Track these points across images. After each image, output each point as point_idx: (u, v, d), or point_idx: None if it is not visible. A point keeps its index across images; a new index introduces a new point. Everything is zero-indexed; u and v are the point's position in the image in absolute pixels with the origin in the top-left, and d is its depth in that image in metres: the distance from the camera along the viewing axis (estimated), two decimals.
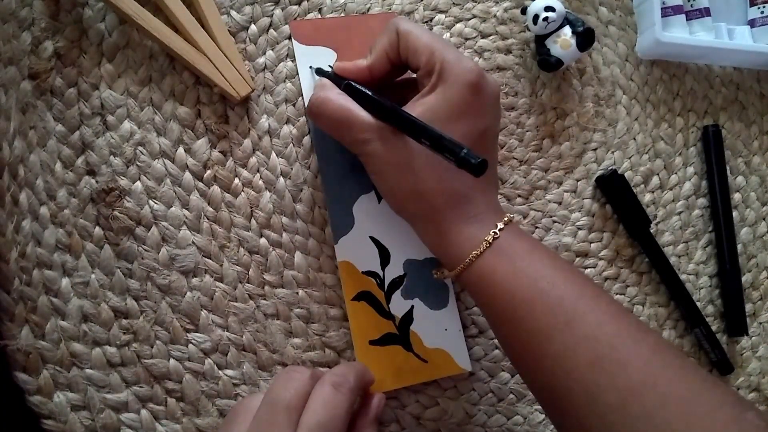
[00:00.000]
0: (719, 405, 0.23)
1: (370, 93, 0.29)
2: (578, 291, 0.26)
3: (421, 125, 0.26)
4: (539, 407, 0.37)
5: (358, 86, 0.29)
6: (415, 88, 0.30)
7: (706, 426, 0.22)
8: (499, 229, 0.28)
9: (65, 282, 0.30)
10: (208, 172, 0.33)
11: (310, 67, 0.33)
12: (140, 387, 0.30)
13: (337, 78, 0.31)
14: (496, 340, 0.36)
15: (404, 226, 0.35)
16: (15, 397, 0.29)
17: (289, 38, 0.35)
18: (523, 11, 0.39)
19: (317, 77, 0.32)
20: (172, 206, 0.32)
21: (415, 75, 0.30)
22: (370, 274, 0.34)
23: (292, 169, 0.34)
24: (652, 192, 0.42)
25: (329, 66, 0.33)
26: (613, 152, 0.41)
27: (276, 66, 0.35)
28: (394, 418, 0.34)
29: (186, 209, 0.32)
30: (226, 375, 0.32)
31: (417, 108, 0.28)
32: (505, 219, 0.28)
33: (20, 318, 0.29)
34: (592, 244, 0.40)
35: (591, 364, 0.24)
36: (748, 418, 0.22)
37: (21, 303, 0.29)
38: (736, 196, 0.44)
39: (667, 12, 0.42)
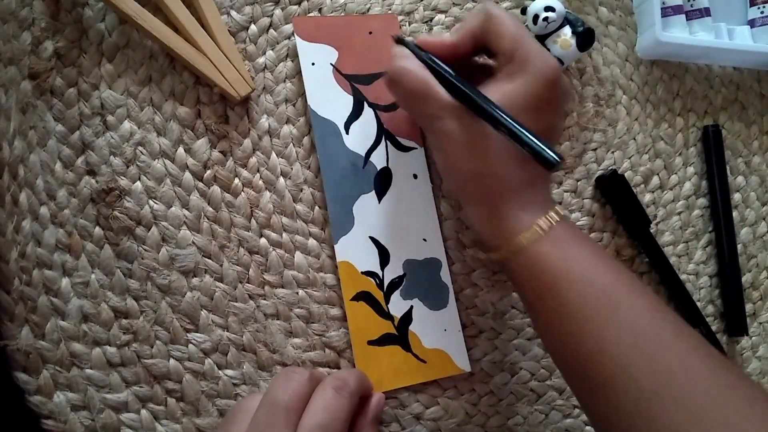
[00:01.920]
0: (755, 399, 0.23)
1: (453, 73, 0.29)
2: (625, 283, 0.27)
3: (503, 115, 0.26)
4: (539, 407, 0.37)
5: (441, 64, 0.29)
6: (485, 72, 0.30)
7: (743, 415, 0.23)
8: (554, 220, 0.28)
9: (65, 282, 0.30)
10: (208, 172, 0.33)
11: (393, 36, 0.32)
12: (140, 387, 0.30)
13: (417, 50, 0.30)
14: (496, 341, 0.36)
15: (404, 226, 0.35)
16: (15, 397, 0.29)
17: (289, 38, 0.35)
18: (523, 11, 0.39)
19: (396, 46, 0.31)
20: (172, 206, 0.32)
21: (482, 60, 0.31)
22: (370, 274, 0.34)
23: (292, 169, 0.34)
24: (652, 192, 0.42)
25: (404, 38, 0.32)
26: (613, 152, 0.41)
27: (276, 66, 0.35)
28: (394, 418, 0.34)
29: (186, 209, 0.32)
30: (226, 375, 0.32)
31: (494, 93, 0.28)
32: (558, 209, 0.29)
33: (20, 318, 0.29)
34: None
35: (631, 349, 0.25)
36: None
37: (21, 303, 0.29)
38: (736, 196, 0.44)
39: (667, 12, 0.42)
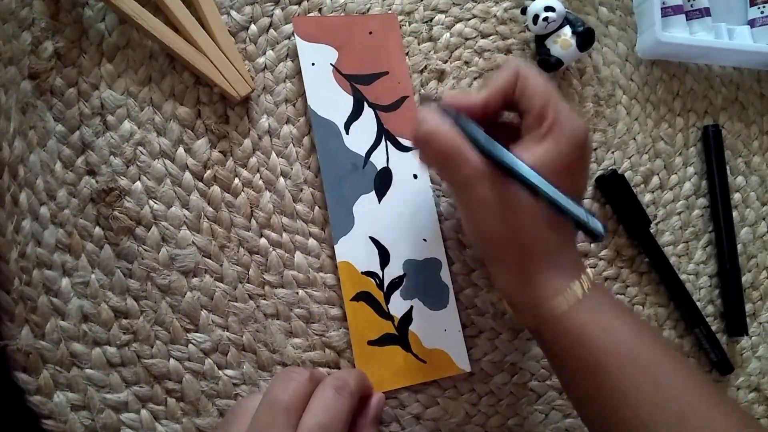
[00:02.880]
0: None
1: (485, 135, 0.27)
2: (662, 353, 0.27)
3: (544, 183, 0.26)
4: (539, 407, 0.37)
5: (473, 125, 0.28)
6: (508, 130, 0.30)
7: None
8: (588, 285, 0.27)
9: (65, 282, 0.30)
10: (208, 172, 0.33)
11: (421, 94, 0.31)
12: (140, 387, 0.30)
13: (446, 110, 0.29)
14: (496, 341, 0.36)
15: (404, 226, 0.35)
16: (15, 397, 0.29)
17: (289, 38, 0.35)
18: (523, 11, 0.39)
19: (423, 105, 0.30)
20: (172, 206, 0.32)
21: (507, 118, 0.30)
22: (370, 274, 0.34)
23: (292, 169, 0.34)
24: (652, 192, 0.42)
25: (434, 97, 0.31)
26: (613, 152, 0.41)
27: (276, 66, 0.35)
28: (394, 418, 0.34)
29: (186, 209, 0.32)
30: (226, 375, 0.32)
31: (526, 156, 0.27)
32: (590, 273, 0.28)
33: (20, 318, 0.29)
34: (592, 244, 0.40)
35: (676, 421, 0.24)
36: None
37: (21, 303, 0.29)
38: (736, 196, 0.44)
39: (667, 12, 0.42)
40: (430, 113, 0.29)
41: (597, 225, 0.25)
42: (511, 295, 0.30)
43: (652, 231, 0.41)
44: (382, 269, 0.34)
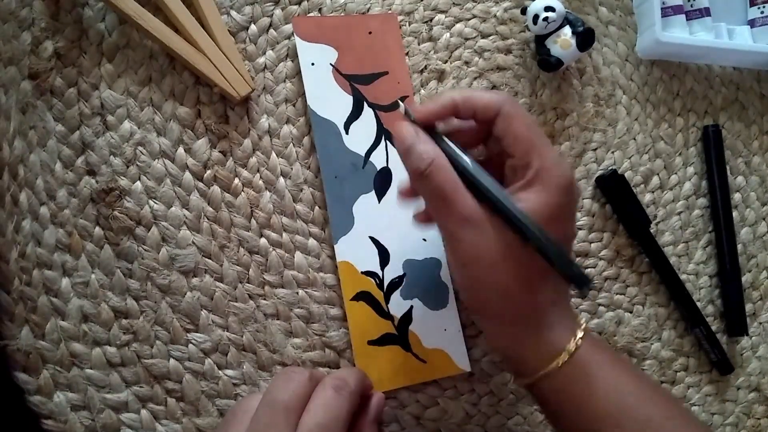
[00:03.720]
0: None
1: (489, 176, 0.26)
2: (664, 408, 0.25)
3: (536, 229, 0.25)
4: (539, 407, 0.37)
5: (478, 170, 0.26)
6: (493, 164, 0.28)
7: None
8: (579, 338, 0.26)
9: (65, 282, 0.30)
10: (208, 172, 0.33)
11: (403, 112, 0.28)
12: (140, 387, 0.30)
13: (440, 139, 0.27)
14: None
15: (404, 226, 0.35)
16: (15, 397, 0.29)
17: (289, 38, 0.35)
18: (523, 11, 0.39)
19: (410, 126, 0.27)
20: (172, 206, 0.32)
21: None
22: (370, 274, 0.34)
23: (292, 169, 0.34)
24: (652, 192, 0.42)
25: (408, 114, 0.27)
26: (613, 152, 0.41)
27: (276, 66, 0.35)
28: (394, 418, 0.34)
29: (186, 209, 0.32)
30: (226, 375, 0.32)
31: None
32: (583, 326, 0.27)
33: (20, 318, 0.29)
34: (592, 244, 0.40)
35: None
36: None
37: (21, 303, 0.29)
38: (736, 196, 0.44)
39: (667, 12, 0.42)
40: (425, 139, 0.26)
41: (582, 276, 0.25)
42: (506, 353, 0.29)
43: (652, 231, 0.41)
44: (382, 269, 0.34)
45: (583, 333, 0.27)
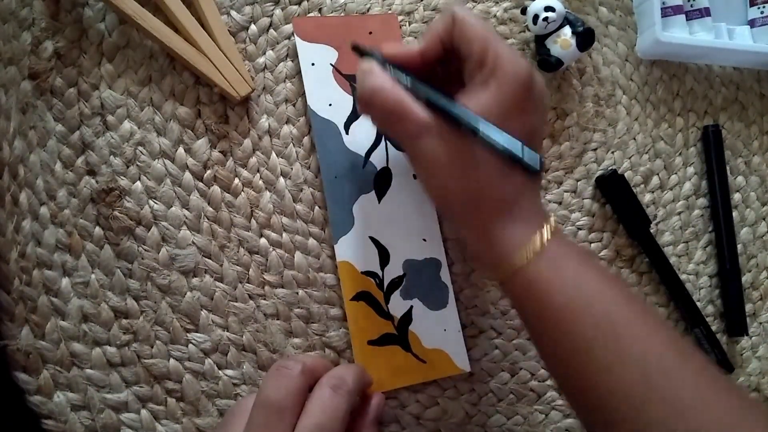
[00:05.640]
0: (764, 429, 0.23)
1: (427, 86, 0.27)
2: (626, 305, 0.26)
3: (482, 123, 0.25)
4: (539, 407, 0.37)
5: (414, 79, 0.27)
6: (454, 79, 0.29)
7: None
8: (547, 236, 0.26)
9: (65, 282, 0.30)
10: (208, 172, 0.33)
11: (352, 45, 0.30)
12: (140, 387, 0.30)
13: (384, 62, 0.28)
14: (496, 341, 0.36)
15: (404, 226, 0.35)
16: (15, 397, 0.29)
17: (289, 38, 0.35)
18: (523, 11, 0.39)
19: (362, 60, 0.29)
20: (172, 206, 0.32)
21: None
22: (370, 274, 0.34)
23: (292, 169, 0.34)
24: (652, 192, 0.42)
25: (373, 51, 0.29)
26: (613, 152, 0.41)
27: (276, 66, 0.35)
28: (394, 418, 0.34)
29: (186, 209, 0.32)
30: (226, 375, 0.32)
31: (469, 102, 0.26)
32: (552, 223, 0.27)
33: (20, 318, 0.29)
34: (592, 244, 0.40)
35: (640, 379, 0.24)
36: None
37: (21, 303, 0.29)
38: (736, 196, 0.44)
39: (667, 12, 0.42)
40: (371, 68, 0.28)
41: (534, 157, 0.24)
42: (476, 253, 0.29)
43: (652, 231, 0.41)
44: (382, 269, 0.34)
45: (547, 229, 0.27)
